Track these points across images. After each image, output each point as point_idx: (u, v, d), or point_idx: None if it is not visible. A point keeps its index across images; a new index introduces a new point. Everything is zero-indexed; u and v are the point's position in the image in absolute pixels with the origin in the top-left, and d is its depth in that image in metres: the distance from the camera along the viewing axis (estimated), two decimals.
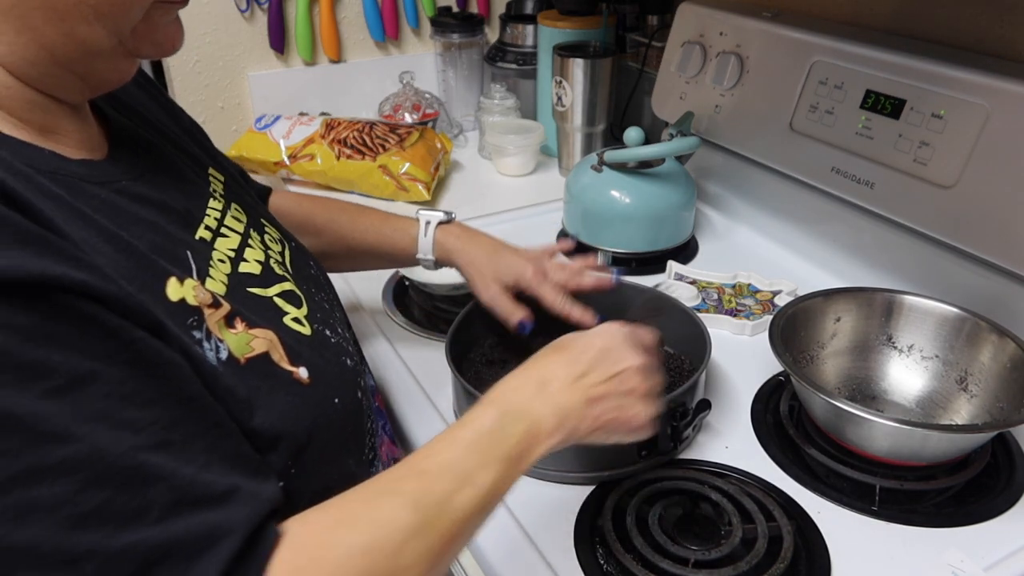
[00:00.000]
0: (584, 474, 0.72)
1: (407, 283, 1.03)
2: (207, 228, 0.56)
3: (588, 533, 0.67)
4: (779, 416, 0.80)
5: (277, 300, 0.57)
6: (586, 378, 0.57)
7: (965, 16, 0.93)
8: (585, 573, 0.64)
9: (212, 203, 0.60)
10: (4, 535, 0.34)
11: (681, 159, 1.14)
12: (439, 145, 1.33)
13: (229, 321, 0.50)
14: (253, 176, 1.38)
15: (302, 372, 0.53)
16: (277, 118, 1.33)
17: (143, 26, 0.48)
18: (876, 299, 0.84)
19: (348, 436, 0.57)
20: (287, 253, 0.67)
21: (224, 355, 0.48)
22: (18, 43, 0.44)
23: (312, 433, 0.52)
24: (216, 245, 0.56)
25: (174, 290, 0.47)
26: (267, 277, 0.58)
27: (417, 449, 0.51)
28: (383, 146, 1.27)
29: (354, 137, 1.28)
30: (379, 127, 1.31)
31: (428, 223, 0.85)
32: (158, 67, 1.43)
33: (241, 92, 1.46)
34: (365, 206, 0.91)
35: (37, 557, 0.34)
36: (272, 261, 0.62)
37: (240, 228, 0.60)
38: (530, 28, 1.44)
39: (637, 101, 1.41)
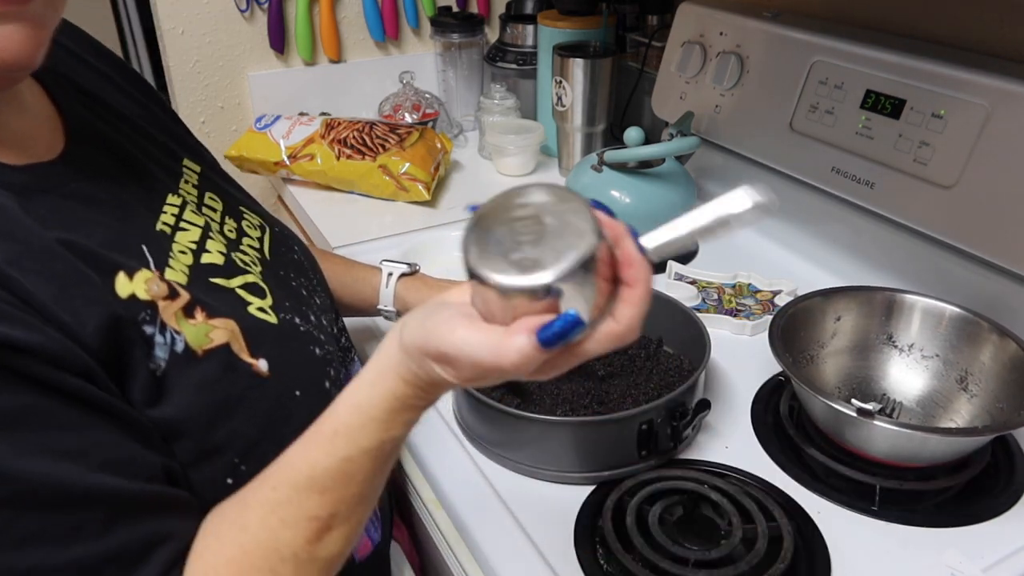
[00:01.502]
0: (584, 474, 0.72)
1: None
2: (164, 223, 0.56)
3: (588, 533, 0.67)
4: (779, 416, 0.80)
5: (240, 291, 0.57)
6: None
7: (965, 16, 0.93)
8: (585, 573, 0.64)
9: (171, 198, 0.60)
10: None
11: (681, 159, 1.14)
12: (439, 145, 1.33)
13: (188, 311, 0.50)
14: (253, 176, 1.39)
15: (262, 364, 0.53)
16: (277, 118, 1.33)
17: None
18: (876, 298, 0.84)
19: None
20: (267, 238, 0.67)
21: (181, 347, 0.49)
22: None
23: (266, 429, 0.52)
24: (176, 238, 0.56)
25: (123, 286, 0.48)
26: (230, 268, 0.58)
27: None
28: (383, 146, 1.27)
29: (354, 137, 1.28)
30: (379, 127, 1.31)
31: (390, 275, 0.85)
32: (158, 67, 1.43)
33: (241, 92, 1.45)
34: (330, 253, 0.91)
35: None
36: (243, 250, 0.62)
37: (201, 222, 0.60)
38: (530, 28, 1.44)
39: (637, 101, 1.41)
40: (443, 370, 0.44)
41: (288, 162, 1.29)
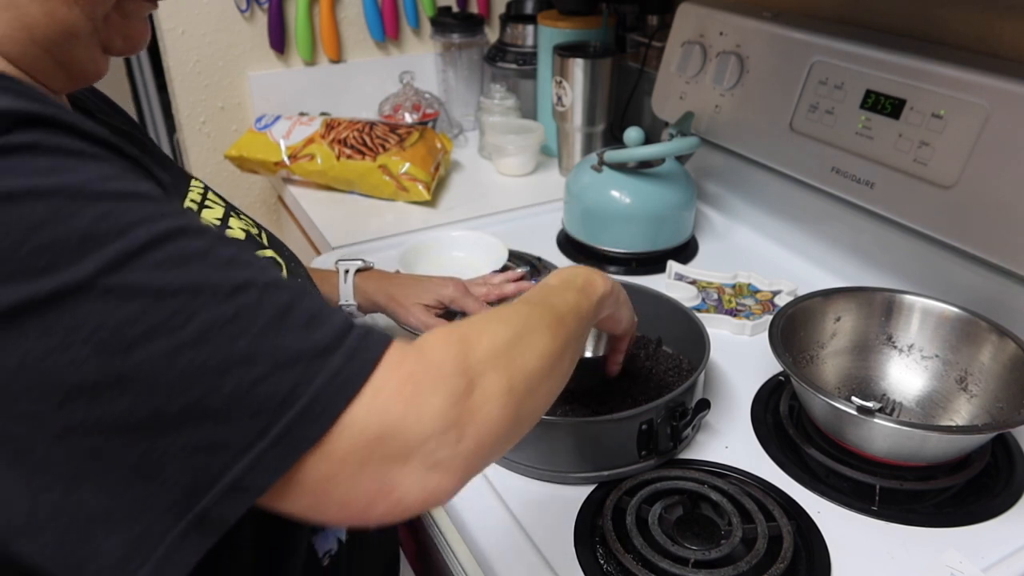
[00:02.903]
0: (584, 474, 0.72)
1: None
2: (192, 200, 0.60)
3: (588, 533, 0.67)
4: (779, 416, 0.80)
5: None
6: None
7: (965, 16, 0.93)
8: (585, 573, 0.64)
9: (194, 182, 0.63)
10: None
11: (681, 159, 1.14)
12: (439, 145, 1.33)
13: None
14: (253, 176, 1.39)
15: None
16: (277, 118, 1.33)
17: (116, 17, 0.50)
18: (876, 299, 0.84)
19: None
20: (264, 235, 0.70)
21: None
22: (2, 19, 0.45)
23: None
24: (203, 215, 0.60)
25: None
26: (251, 244, 0.61)
27: None
28: (383, 146, 1.27)
29: (354, 137, 1.28)
30: (379, 127, 1.31)
31: (347, 271, 0.88)
32: (158, 67, 1.43)
33: (241, 92, 1.46)
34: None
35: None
36: (254, 234, 0.66)
37: (222, 203, 0.64)
38: (530, 28, 1.44)
39: (637, 101, 1.41)
40: None
41: (288, 162, 1.29)
